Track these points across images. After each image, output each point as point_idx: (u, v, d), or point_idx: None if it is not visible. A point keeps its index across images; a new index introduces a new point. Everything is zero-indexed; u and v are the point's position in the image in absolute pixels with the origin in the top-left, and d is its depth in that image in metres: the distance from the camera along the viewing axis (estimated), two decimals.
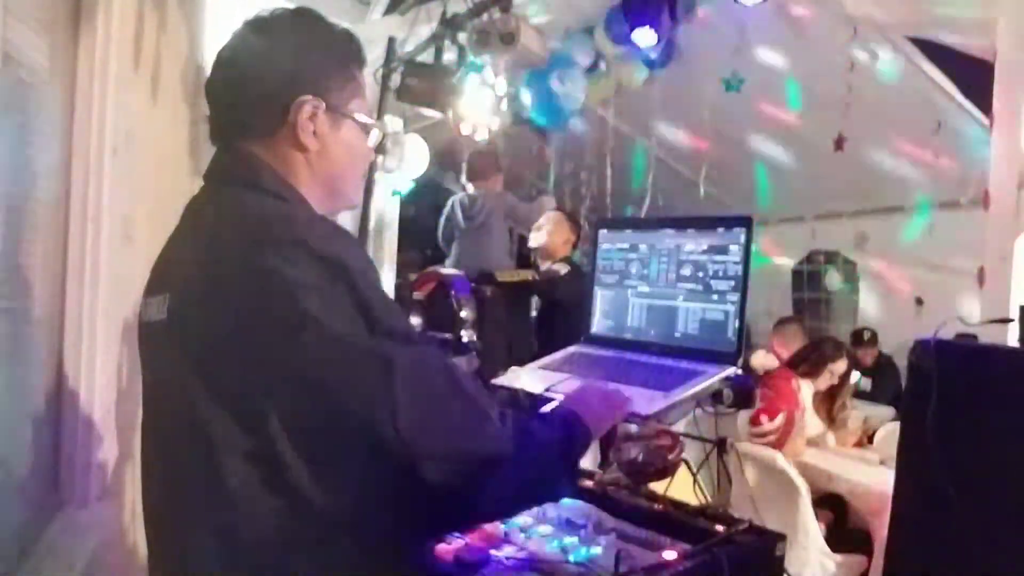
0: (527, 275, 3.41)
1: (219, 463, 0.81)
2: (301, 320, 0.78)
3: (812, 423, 3.28)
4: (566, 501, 1.23)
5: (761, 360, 3.99)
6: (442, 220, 3.89)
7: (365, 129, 0.99)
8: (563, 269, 3.38)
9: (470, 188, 3.77)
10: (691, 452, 1.33)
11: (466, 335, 1.24)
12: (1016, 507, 1.23)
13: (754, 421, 2.94)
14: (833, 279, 5.23)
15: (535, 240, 3.53)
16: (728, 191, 5.08)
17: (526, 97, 3.71)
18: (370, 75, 2.76)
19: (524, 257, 3.97)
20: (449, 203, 3.88)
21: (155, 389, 0.94)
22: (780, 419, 2.95)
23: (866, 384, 4.33)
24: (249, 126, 0.93)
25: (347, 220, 3.64)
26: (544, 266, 3.50)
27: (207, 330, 0.84)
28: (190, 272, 0.89)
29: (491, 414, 0.87)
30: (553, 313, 3.33)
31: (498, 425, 0.86)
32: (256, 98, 0.92)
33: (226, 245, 0.86)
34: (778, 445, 2.94)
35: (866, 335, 4.40)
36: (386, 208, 3.95)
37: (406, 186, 3.98)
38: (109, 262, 1.49)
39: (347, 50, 0.99)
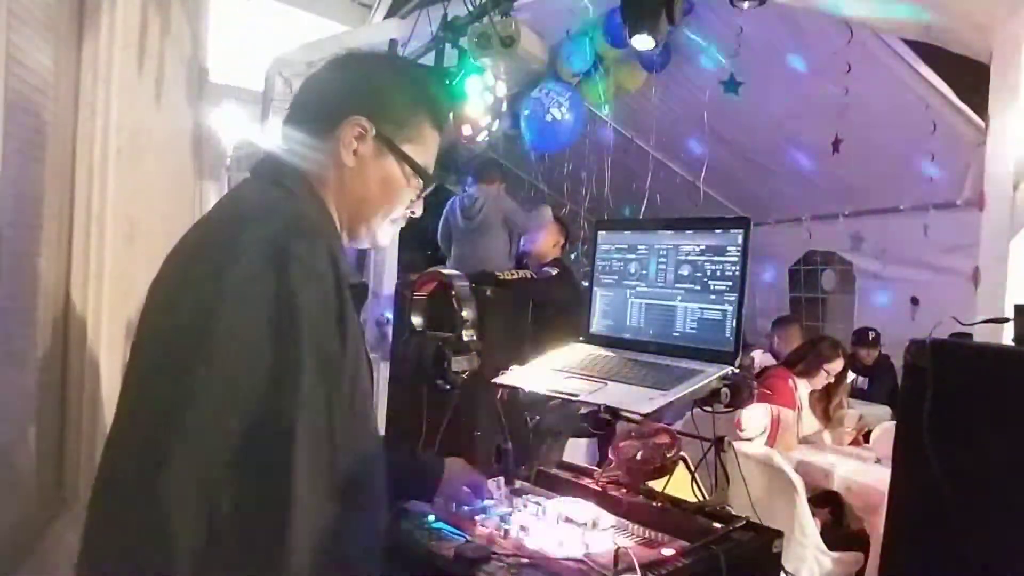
0: (527, 275, 3.44)
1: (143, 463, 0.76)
2: (207, 309, 0.75)
3: (808, 421, 3.30)
4: (566, 499, 1.24)
5: (759, 359, 4.02)
6: (440, 220, 3.92)
7: (410, 174, 0.97)
8: (554, 271, 3.43)
9: (471, 189, 3.80)
10: (689, 450, 1.34)
11: (467, 335, 1.25)
12: (1011, 505, 1.24)
13: (737, 425, 2.96)
14: (829, 279, 5.26)
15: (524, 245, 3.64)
16: (726, 192, 5.10)
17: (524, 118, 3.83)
18: None
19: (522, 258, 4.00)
20: (448, 204, 3.90)
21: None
22: (765, 423, 2.97)
23: (863, 383, 4.36)
24: (299, 129, 0.95)
25: None
26: (534, 269, 3.55)
27: (155, 307, 0.85)
28: (172, 254, 0.90)
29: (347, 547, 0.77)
30: (545, 314, 3.36)
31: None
32: (315, 104, 0.96)
33: (201, 227, 0.89)
34: (767, 444, 2.96)
35: (871, 335, 4.41)
36: None
37: None
38: (113, 262, 1.50)
39: (426, 101, 0.99)
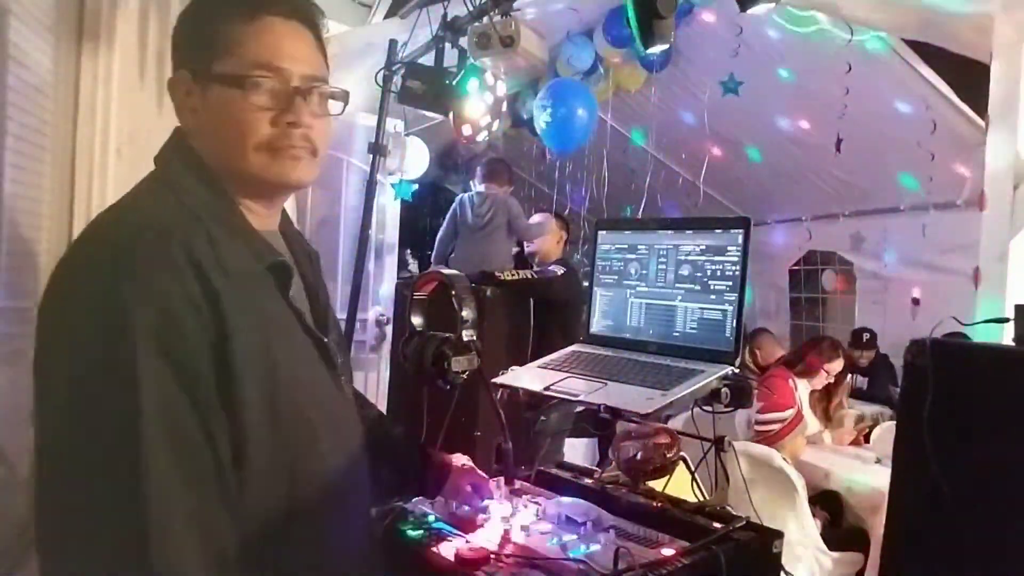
0: (527, 274, 3.44)
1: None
2: (45, 347, 0.75)
3: (809, 422, 3.31)
4: (566, 499, 1.24)
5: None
6: (447, 218, 3.89)
7: (240, 84, 0.79)
8: (559, 269, 3.43)
9: (480, 187, 3.79)
10: (689, 450, 1.34)
11: (467, 335, 1.25)
12: (1012, 504, 1.24)
13: (764, 410, 2.98)
14: (829, 279, 5.26)
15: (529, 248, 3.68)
16: (726, 192, 5.10)
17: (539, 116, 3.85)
18: (371, 77, 2.78)
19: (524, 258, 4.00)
20: (457, 200, 3.89)
21: None
22: (790, 412, 2.99)
23: (863, 383, 4.36)
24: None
25: (350, 221, 3.67)
26: (540, 268, 3.55)
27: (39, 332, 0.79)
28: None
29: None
30: (548, 313, 3.36)
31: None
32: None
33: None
34: (780, 436, 2.97)
35: (865, 336, 4.41)
36: (387, 209, 3.98)
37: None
38: None
39: (211, 3, 0.84)
